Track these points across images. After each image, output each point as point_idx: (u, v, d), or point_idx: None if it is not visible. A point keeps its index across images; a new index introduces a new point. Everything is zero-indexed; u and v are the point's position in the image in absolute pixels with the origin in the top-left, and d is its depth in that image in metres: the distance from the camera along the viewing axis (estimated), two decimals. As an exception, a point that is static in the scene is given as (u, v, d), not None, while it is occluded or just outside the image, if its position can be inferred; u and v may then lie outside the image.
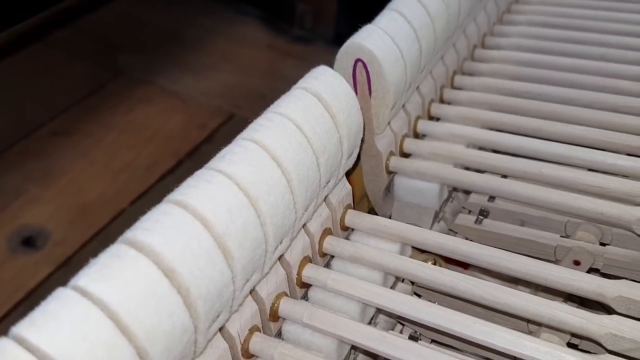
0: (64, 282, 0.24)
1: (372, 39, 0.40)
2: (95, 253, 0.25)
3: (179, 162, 0.83)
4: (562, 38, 0.58)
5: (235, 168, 0.29)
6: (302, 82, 0.36)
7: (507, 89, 0.53)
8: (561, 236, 0.44)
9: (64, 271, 0.67)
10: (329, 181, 0.37)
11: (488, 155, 0.45)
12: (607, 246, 0.42)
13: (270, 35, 1.09)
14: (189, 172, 0.29)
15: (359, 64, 0.41)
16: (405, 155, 0.48)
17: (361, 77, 0.41)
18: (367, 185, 0.47)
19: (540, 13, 0.64)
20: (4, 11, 0.74)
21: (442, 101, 0.53)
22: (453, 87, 0.55)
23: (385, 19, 0.43)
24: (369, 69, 0.41)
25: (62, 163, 0.81)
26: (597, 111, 0.48)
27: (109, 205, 0.76)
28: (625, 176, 0.43)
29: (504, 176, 0.46)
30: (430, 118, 0.52)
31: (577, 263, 0.41)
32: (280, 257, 0.35)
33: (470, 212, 0.48)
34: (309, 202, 0.34)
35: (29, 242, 0.70)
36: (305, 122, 0.33)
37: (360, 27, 0.42)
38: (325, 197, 0.39)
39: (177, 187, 0.28)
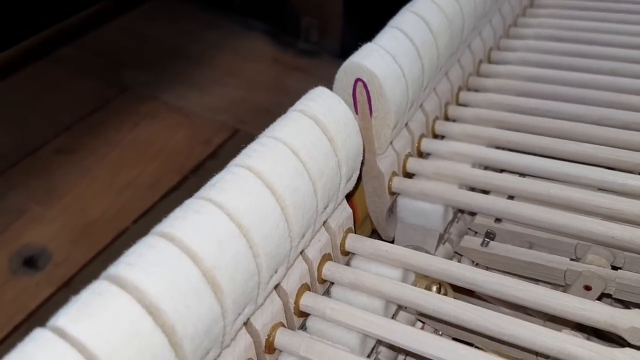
0: (64, 303, 0.23)
1: (372, 58, 0.39)
2: (97, 273, 0.24)
3: (183, 178, 0.82)
4: (571, 52, 0.57)
5: (225, 197, 0.28)
6: (298, 105, 0.34)
7: (514, 105, 0.52)
8: (571, 259, 0.42)
9: (64, 292, 0.66)
10: (327, 206, 0.35)
11: (494, 175, 0.44)
12: (619, 270, 0.40)
13: (276, 49, 1.08)
14: (193, 189, 0.29)
15: (359, 84, 0.40)
16: (409, 175, 0.46)
17: (361, 97, 0.40)
18: (369, 207, 0.46)
19: (548, 26, 0.62)
20: (9, 28, 0.74)
21: (446, 118, 0.52)
22: (458, 103, 0.53)
23: (386, 37, 0.41)
24: (369, 88, 0.39)
25: (65, 181, 0.80)
26: (607, 128, 0.47)
27: (111, 224, 0.75)
28: (637, 197, 0.41)
29: (511, 197, 0.44)
30: (435, 136, 0.50)
31: (588, 288, 0.40)
32: (277, 286, 0.34)
33: (476, 233, 0.46)
34: (305, 229, 0.33)
35: (30, 262, 0.69)
36: (302, 147, 0.32)
37: (365, 40, 0.41)
38: (325, 222, 0.37)
39: (178, 206, 0.27)
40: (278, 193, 0.30)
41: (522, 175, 0.47)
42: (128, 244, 0.26)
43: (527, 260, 0.42)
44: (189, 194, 0.29)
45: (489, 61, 0.58)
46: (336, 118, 0.35)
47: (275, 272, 0.31)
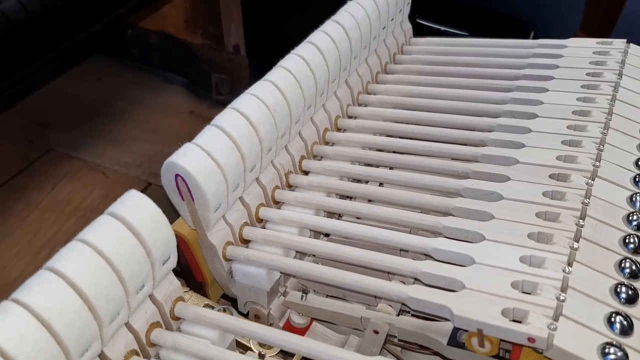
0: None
1: (186, 158, 0.48)
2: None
3: (96, 235, 0.89)
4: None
5: (33, 298, 0.36)
6: (111, 208, 0.43)
7: (347, 172, 0.61)
8: (367, 307, 0.51)
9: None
10: (144, 286, 0.44)
11: (310, 241, 0.53)
12: (400, 316, 0.49)
13: (192, 101, 1.17)
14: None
15: (179, 178, 0.48)
16: (246, 241, 0.55)
17: (183, 188, 0.49)
18: (212, 271, 0.55)
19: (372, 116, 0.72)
20: None
21: (289, 186, 0.61)
22: (302, 170, 0.62)
23: (203, 136, 0.50)
24: (187, 182, 0.48)
25: (-12, 244, 0.87)
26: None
27: (28, 282, 0.83)
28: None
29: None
30: (276, 202, 0.59)
31: (376, 332, 0.49)
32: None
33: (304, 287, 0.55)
34: (116, 310, 0.41)
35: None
36: (106, 245, 0.41)
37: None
38: (151, 296, 0.46)
39: None
40: (81, 290, 0.38)
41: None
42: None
43: (333, 310, 0.51)
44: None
45: (325, 141, 0.67)
46: (142, 215, 0.43)
47: (87, 350, 0.39)
